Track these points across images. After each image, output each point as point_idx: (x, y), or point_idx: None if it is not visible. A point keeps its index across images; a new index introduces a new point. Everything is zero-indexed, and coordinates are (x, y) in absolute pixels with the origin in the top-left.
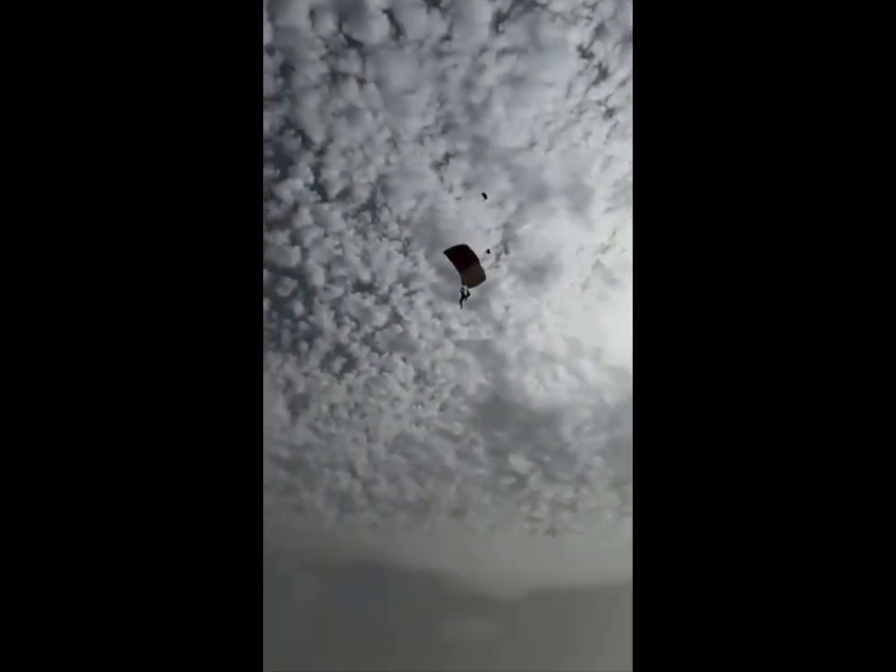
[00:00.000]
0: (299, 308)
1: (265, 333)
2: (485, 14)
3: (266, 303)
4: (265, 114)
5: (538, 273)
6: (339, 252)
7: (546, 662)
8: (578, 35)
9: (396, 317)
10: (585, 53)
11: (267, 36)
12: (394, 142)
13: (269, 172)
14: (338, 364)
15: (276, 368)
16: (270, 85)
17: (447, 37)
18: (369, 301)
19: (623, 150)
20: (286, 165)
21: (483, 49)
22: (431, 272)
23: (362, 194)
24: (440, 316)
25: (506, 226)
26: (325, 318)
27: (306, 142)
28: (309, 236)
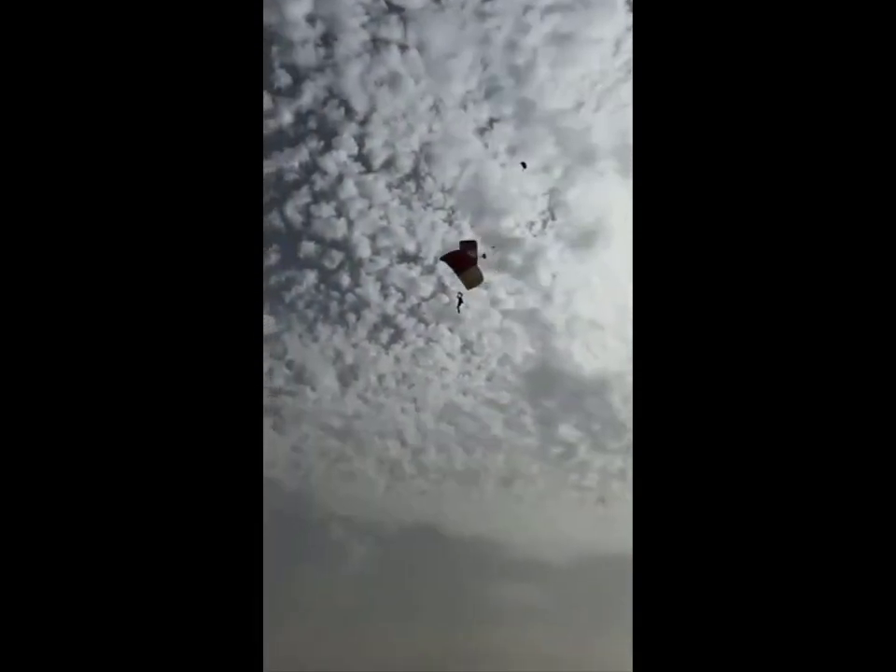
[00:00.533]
0: (345, 280)
1: (314, 305)
2: None
3: (314, 276)
4: (308, 85)
5: (586, 239)
6: (384, 223)
7: (594, 626)
8: None
9: (441, 287)
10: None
11: (307, 6)
12: (437, 108)
13: (313, 144)
14: (385, 335)
15: (325, 340)
16: (312, 55)
17: None
18: (414, 272)
19: None
20: (329, 137)
21: (527, 8)
22: (477, 240)
23: (406, 163)
24: (485, 286)
25: (552, 191)
26: (371, 290)
27: (349, 112)
28: (354, 208)
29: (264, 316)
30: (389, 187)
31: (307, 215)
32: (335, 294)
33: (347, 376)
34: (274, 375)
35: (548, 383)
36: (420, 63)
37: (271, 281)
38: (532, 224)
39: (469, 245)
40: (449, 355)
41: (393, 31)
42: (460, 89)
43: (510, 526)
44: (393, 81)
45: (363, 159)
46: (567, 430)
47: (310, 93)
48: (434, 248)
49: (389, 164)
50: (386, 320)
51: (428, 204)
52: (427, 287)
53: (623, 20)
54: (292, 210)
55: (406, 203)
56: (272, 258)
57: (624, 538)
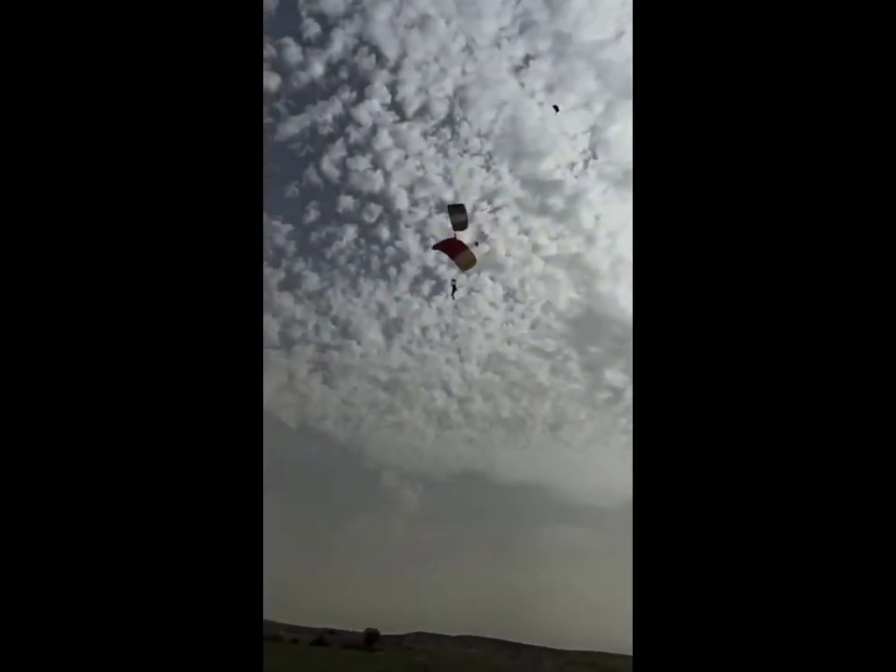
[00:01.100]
0: (385, 233)
1: (356, 260)
2: None
3: (353, 230)
4: (337, 33)
5: (629, 178)
6: (420, 173)
7: None
8: None
9: (482, 236)
10: None
11: None
12: (469, 49)
13: (346, 95)
14: (427, 287)
15: (368, 294)
16: (340, 2)
17: None
18: None
19: None
20: (362, 87)
21: None
22: (516, 185)
23: (440, 109)
24: (526, 232)
25: (593, 129)
26: (411, 242)
27: (380, 59)
28: (390, 159)
29: (308, 273)
30: (424, 135)
31: (343, 168)
32: (375, 248)
33: (391, 329)
34: (321, 331)
35: (593, 328)
36: (450, 2)
37: (311, 238)
38: (573, 165)
39: (457, 209)
40: (492, 304)
41: None
42: (493, 26)
43: (558, 471)
44: (423, 23)
45: (396, 107)
46: (613, 375)
47: (340, 42)
48: (472, 196)
49: (423, 111)
50: (427, 272)
51: (465, 151)
52: (466, 237)
53: None
54: (328, 164)
55: (442, 150)
56: (311, 214)
57: None
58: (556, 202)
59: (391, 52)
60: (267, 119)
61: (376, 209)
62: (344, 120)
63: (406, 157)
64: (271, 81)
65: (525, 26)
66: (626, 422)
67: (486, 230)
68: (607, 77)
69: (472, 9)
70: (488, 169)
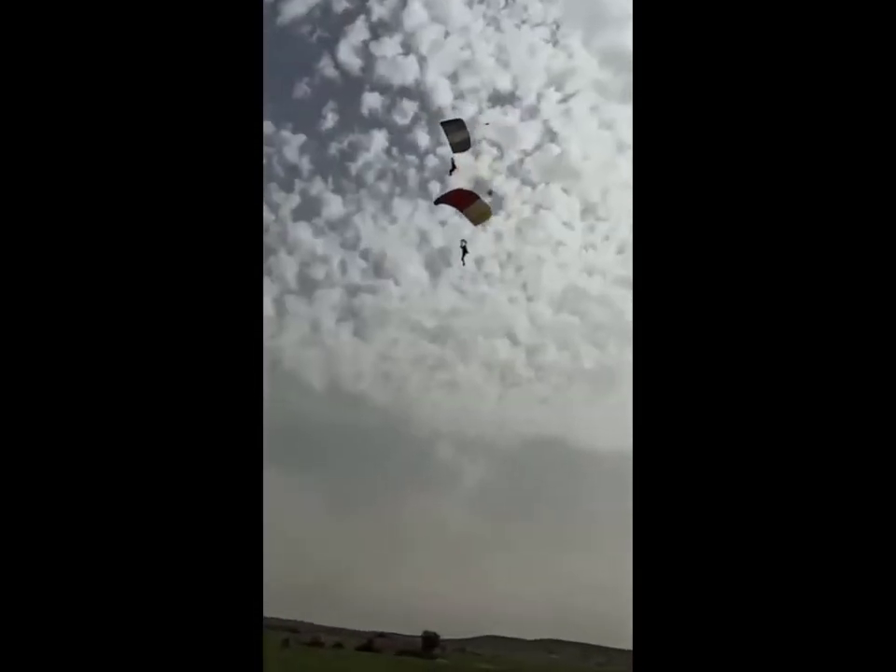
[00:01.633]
0: (423, 139)
1: (387, 176)
2: None
3: (384, 137)
4: None
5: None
6: (466, 55)
7: None
8: None
9: (550, 135)
10: None
11: None
12: None
13: None
14: None
15: (406, 219)
16: None
17: None
18: (512, 117)
19: None
20: None
21: None
22: (593, 63)
23: None
24: (608, 125)
25: None
26: None
27: None
28: (426, 38)
29: (328, 196)
30: (470, 3)
31: (366, 56)
32: (412, 158)
33: (437, 263)
34: (348, 269)
35: None
36: None
37: (330, 149)
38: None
39: (455, 126)
40: (566, 224)
41: None
42: None
43: None
44: None
45: None
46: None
47: None
48: (535, 83)
49: None
50: (480, 185)
51: (524, 21)
52: (530, 137)
53: None
54: (347, 52)
55: (494, 23)
56: (328, 119)
57: None
58: None
59: None
60: None
61: (410, 107)
62: None
63: (447, 34)
64: None
65: None
66: None
67: (556, 126)
68: None
69: None
70: (555, 44)
